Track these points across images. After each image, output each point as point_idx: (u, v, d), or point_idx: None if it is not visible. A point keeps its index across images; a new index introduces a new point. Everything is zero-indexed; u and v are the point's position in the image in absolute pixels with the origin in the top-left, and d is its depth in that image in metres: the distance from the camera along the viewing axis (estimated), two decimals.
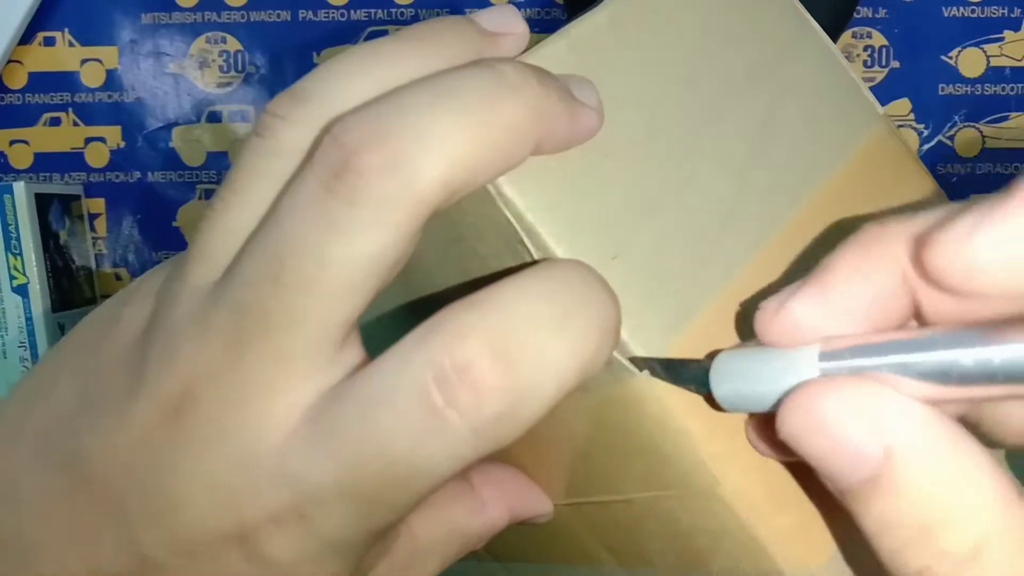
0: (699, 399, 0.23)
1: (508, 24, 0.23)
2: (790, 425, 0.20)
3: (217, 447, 0.21)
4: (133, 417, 0.21)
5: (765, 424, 0.22)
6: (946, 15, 0.60)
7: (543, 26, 0.61)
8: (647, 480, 0.24)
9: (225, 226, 0.21)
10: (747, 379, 0.21)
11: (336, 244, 0.19)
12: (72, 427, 0.22)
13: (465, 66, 0.21)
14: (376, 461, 0.20)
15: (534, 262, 0.22)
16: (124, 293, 0.24)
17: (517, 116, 0.20)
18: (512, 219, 0.22)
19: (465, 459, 0.20)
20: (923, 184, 0.30)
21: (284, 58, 0.61)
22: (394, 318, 0.25)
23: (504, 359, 0.19)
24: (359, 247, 0.20)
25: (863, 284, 0.20)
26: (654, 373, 0.22)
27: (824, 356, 0.20)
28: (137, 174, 0.62)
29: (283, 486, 0.20)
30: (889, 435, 0.19)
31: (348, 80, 0.21)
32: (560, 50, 0.23)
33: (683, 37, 0.26)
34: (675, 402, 0.23)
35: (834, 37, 0.58)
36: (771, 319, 0.21)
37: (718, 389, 0.22)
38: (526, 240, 0.22)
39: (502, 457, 0.27)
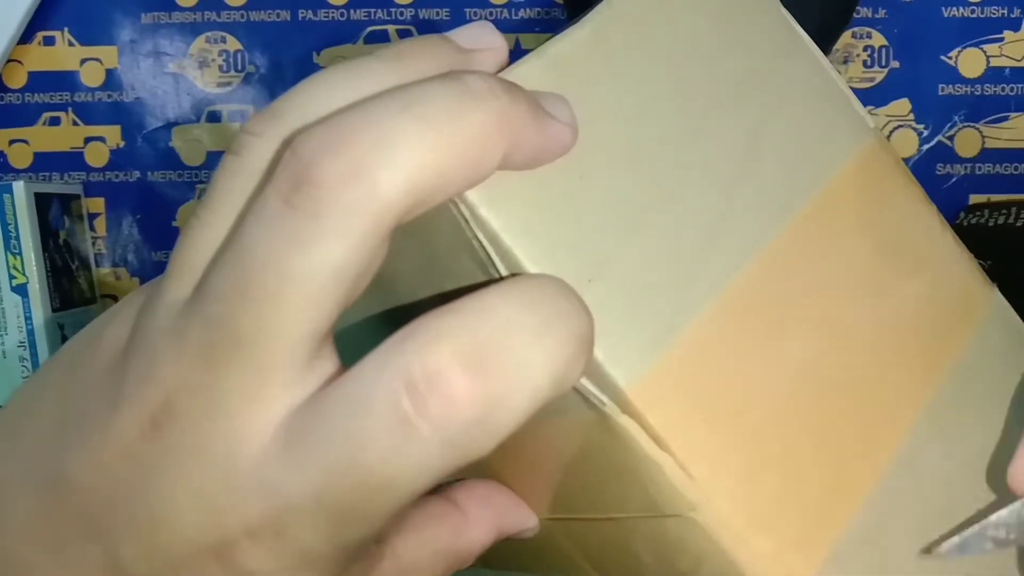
0: (673, 427, 0.23)
1: (484, 40, 0.23)
2: None
3: (195, 460, 0.21)
4: (113, 432, 0.21)
5: None
6: (946, 15, 0.60)
7: (543, 26, 0.61)
8: (626, 502, 0.24)
9: (200, 242, 0.21)
10: None
11: (297, 257, 0.19)
12: (55, 446, 0.22)
13: (430, 78, 0.21)
14: (349, 471, 0.20)
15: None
16: (106, 314, 0.24)
17: (482, 125, 0.20)
18: (486, 241, 0.22)
19: (437, 469, 0.20)
20: (914, 199, 0.29)
21: (284, 58, 0.61)
22: (375, 328, 0.25)
23: (476, 367, 0.19)
24: (321, 259, 0.19)
25: None
26: None
27: None
28: (137, 174, 0.62)
29: (259, 498, 0.20)
30: None
31: (320, 97, 0.21)
32: (538, 67, 0.23)
33: (669, 51, 0.25)
34: (643, 431, 0.23)
35: (834, 38, 0.58)
36: None
37: None
38: (498, 262, 0.22)
39: (487, 472, 0.27)
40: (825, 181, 0.27)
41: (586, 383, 0.22)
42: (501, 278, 0.22)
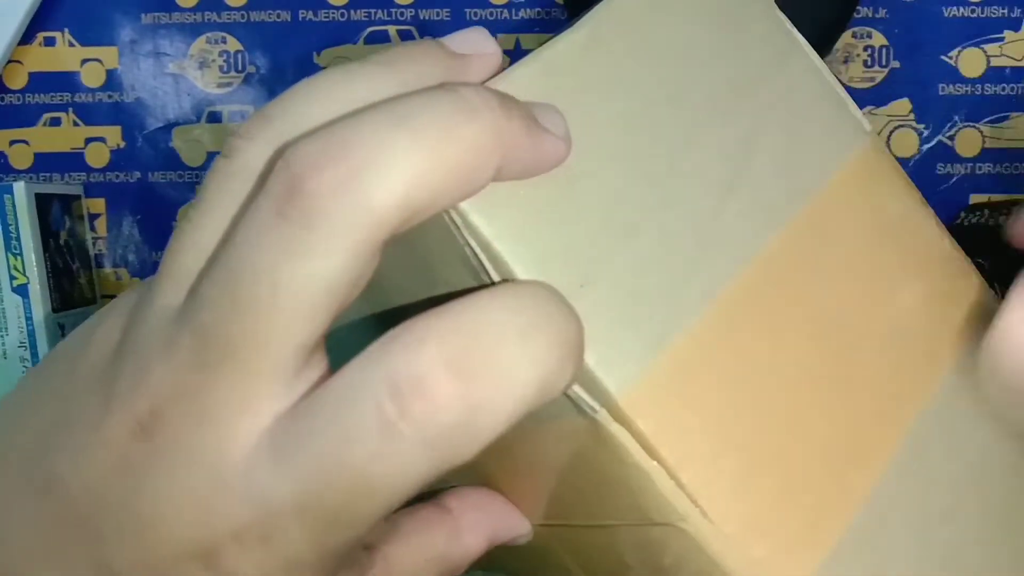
0: (664, 434, 0.23)
1: (478, 45, 0.23)
2: None
3: (184, 466, 0.21)
4: (103, 436, 0.21)
5: None
6: (946, 15, 0.60)
7: (543, 26, 0.61)
8: (615, 510, 0.24)
9: (192, 246, 0.21)
10: None
11: (288, 268, 0.19)
12: (46, 450, 0.22)
13: (425, 89, 0.21)
14: (333, 473, 0.20)
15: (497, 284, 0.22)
16: (96, 316, 0.24)
17: (476, 139, 0.20)
18: (478, 248, 0.22)
19: (420, 474, 0.20)
20: (910, 202, 0.29)
21: (284, 58, 0.61)
22: (367, 329, 0.25)
23: (460, 371, 0.19)
24: (311, 271, 0.19)
25: None
26: None
27: None
28: (137, 174, 0.62)
29: (246, 503, 0.20)
30: None
31: (313, 102, 0.21)
32: (533, 72, 0.23)
33: (664, 55, 0.25)
34: (633, 439, 0.23)
35: (834, 38, 0.58)
36: None
37: None
38: (490, 269, 0.22)
39: (480, 478, 0.27)
40: (820, 186, 0.27)
41: (578, 390, 0.22)
42: (492, 284, 0.22)
